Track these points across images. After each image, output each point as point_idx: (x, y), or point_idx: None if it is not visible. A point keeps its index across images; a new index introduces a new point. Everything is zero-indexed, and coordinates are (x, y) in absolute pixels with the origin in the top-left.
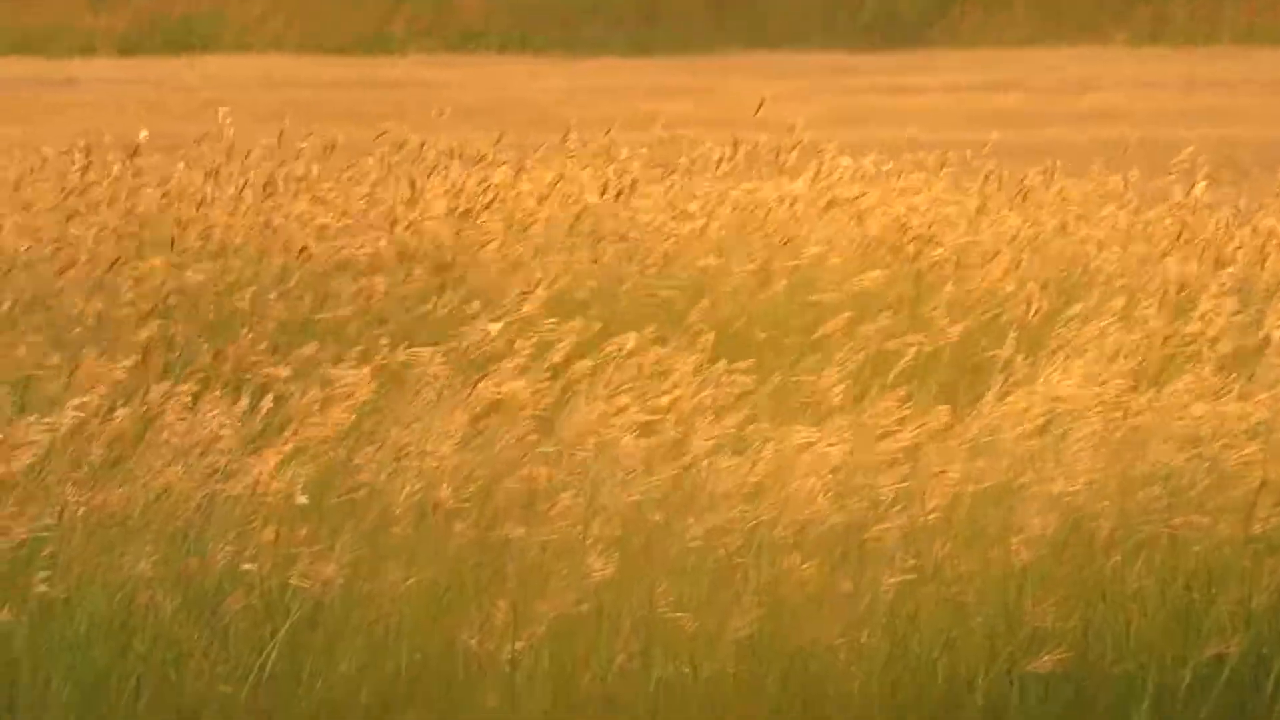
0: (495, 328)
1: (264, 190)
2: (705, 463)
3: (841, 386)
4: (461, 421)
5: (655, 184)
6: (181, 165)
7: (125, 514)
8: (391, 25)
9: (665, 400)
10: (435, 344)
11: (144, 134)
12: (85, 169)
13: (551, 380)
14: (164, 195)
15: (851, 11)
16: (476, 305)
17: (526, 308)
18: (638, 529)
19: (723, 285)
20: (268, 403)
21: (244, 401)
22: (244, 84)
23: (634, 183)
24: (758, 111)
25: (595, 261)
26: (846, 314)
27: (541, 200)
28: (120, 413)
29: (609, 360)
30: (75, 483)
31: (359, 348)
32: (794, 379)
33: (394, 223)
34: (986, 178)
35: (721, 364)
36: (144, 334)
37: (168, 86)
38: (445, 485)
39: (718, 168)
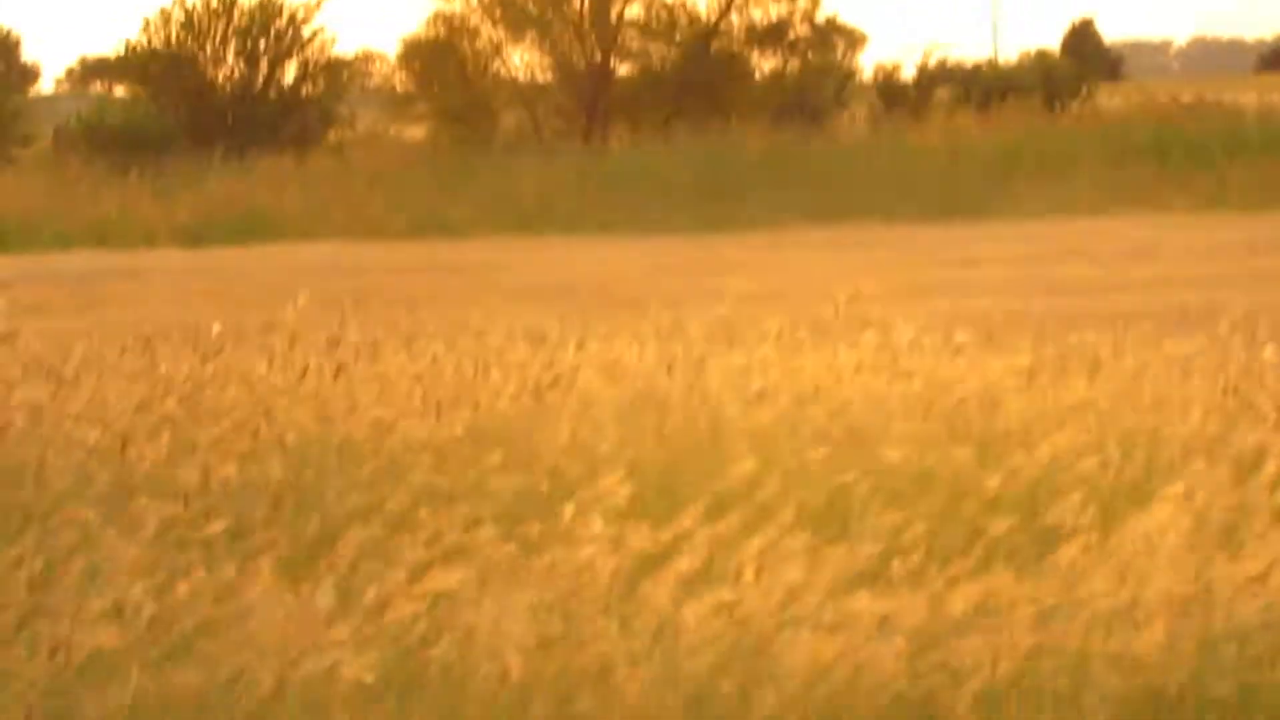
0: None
1: (334, 377)
2: (776, 634)
3: (908, 553)
4: (532, 599)
5: (719, 358)
6: (243, 352)
7: (197, 699)
8: (453, 210)
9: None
10: (511, 525)
11: (217, 327)
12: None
13: (616, 552)
14: (225, 385)
15: (915, 184)
16: (546, 485)
17: (599, 487)
18: (709, 703)
19: (786, 459)
20: (343, 585)
21: (315, 585)
22: (308, 270)
23: (701, 359)
24: (846, 301)
25: (661, 437)
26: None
27: (608, 379)
28: (185, 594)
29: (679, 535)
30: (146, 666)
31: (429, 531)
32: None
33: (459, 404)
34: (1057, 348)
35: (799, 539)
36: (216, 526)
37: (231, 274)
38: (517, 660)
39: (778, 339)
